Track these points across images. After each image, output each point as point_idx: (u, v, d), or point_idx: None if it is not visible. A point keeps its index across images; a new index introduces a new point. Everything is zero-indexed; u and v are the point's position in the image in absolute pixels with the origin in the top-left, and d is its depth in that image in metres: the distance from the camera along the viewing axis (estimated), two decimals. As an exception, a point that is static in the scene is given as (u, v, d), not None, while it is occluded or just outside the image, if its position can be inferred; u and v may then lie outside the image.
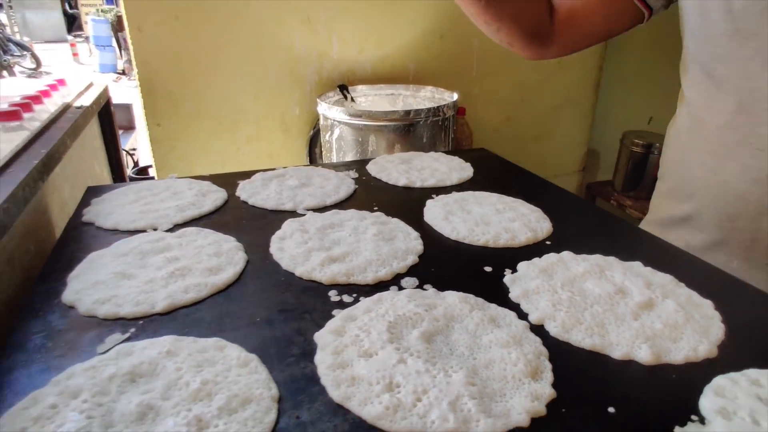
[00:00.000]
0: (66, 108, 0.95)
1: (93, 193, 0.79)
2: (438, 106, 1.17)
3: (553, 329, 0.48)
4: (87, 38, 10.96)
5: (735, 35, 0.67)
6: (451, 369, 0.41)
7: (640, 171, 1.75)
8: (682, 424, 0.37)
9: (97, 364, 0.42)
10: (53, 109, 0.93)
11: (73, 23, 12.49)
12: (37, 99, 0.92)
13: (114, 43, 9.83)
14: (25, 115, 0.84)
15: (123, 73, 9.40)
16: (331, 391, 0.40)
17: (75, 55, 10.59)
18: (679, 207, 0.81)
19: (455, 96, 1.29)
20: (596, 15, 0.82)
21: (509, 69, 1.68)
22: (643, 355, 0.44)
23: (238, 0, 1.31)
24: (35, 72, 9.26)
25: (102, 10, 10.12)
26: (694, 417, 0.38)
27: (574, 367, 0.43)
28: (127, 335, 0.47)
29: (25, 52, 9.58)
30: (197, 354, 0.43)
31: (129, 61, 9.21)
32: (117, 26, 9.78)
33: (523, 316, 0.50)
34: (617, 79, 1.84)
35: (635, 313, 0.49)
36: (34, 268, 0.66)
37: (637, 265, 0.58)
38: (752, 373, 0.42)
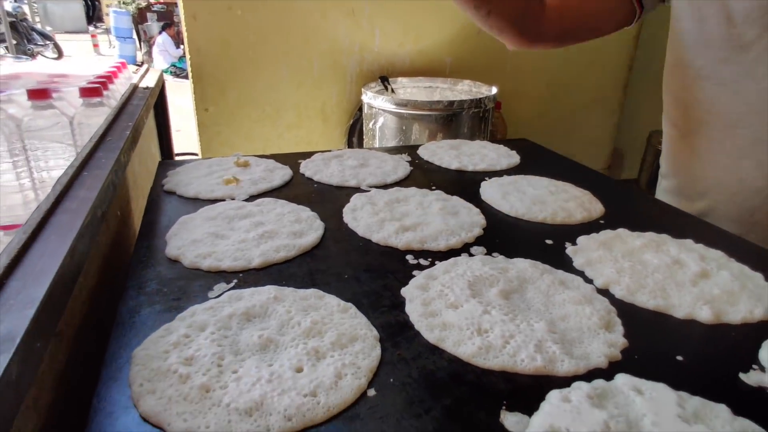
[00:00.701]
0: (134, 88, 1.00)
1: (165, 166, 0.85)
2: (479, 98, 1.21)
3: (619, 292, 0.52)
4: (107, 30, 11.13)
5: (737, 40, 0.70)
6: (531, 320, 0.46)
7: (667, 170, 1.79)
8: (745, 371, 0.42)
9: (214, 305, 0.47)
10: (123, 89, 0.99)
11: (93, 14, 12.64)
12: (109, 79, 0.98)
13: (134, 35, 9.97)
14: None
15: (143, 64, 9.56)
16: (426, 334, 0.45)
17: (95, 46, 10.73)
18: (692, 205, 0.84)
19: (494, 90, 1.33)
20: (587, 9, 0.82)
21: (541, 67, 1.72)
22: (705, 315, 0.48)
23: (287, -8, 1.36)
24: (57, 62, 9.43)
25: (124, 2, 10.26)
26: (755, 366, 0.42)
27: (641, 324, 0.48)
28: (232, 284, 0.52)
29: (47, 42, 9.75)
30: (300, 301, 0.48)
31: (148, 53, 9.35)
32: (138, 18, 9.93)
33: (588, 281, 0.54)
34: (646, 80, 1.87)
35: (693, 281, 0.53)
36: (121, 232, 0.71)
37: (689, 242, 0.62)
38: (807, 332, 0.46)
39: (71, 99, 0.90)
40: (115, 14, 9.69)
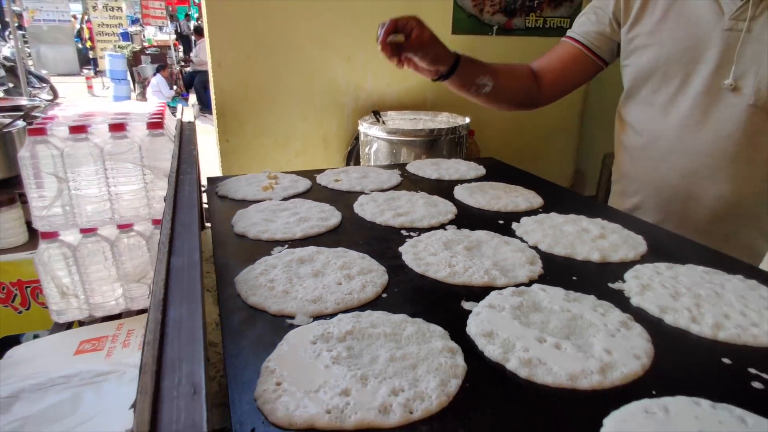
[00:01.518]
0: (181, 124, 1.27)
1: (214, 181, 1.10)
2: (455, 127, 1.50)
3: (543, 247, 0.78)
4: (100, 72, 11.49)
5: (663, 76, 1.00)
6: (483, 260, 0.72)
7: (619, 186, 2.08)
8: (613, 283, 0.68)
9: (278, 256, 0.73)
10: (172, 123, 1.25)
11: (86, 58, 12.93)
12: (161, 116, 1.24)
13: (128, 77, 10.32)
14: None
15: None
16: (415, 268, 0.71)
17: (90, 87, 11.06)
18: (630, 201, 1.13)
19: (467, 120, 1.63)
20: (570, 75, 1.12)
21: (508, 100, 2.03)
22: (595, 257, 0.75)
23: (295, 42, 1.65)
24: (52, 103, 9.72)
25: (119, 46, 10.66)
26: (620, 280, 0.69)
27: (554, 263, 0.74)
28: (285, 246, 0.77)
29: (43, 84, 10.07)
30: (333, 253, 0.74)
31: (142, 94, 9.69)
32: (132, 61, 10.30)
33: (524, 242, 0.80)
34: (599, 109, 2.19)
35: (593, 239, 0.80)
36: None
37: (597, 219, 0.89)
38: (657, 263, 0.73)
39: (137, 130, 1.16)
40: (110, 57, 10.03)
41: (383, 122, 1.69)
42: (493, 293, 0.63)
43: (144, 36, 11.71)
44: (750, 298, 0.63)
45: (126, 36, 11.43)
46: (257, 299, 0.61)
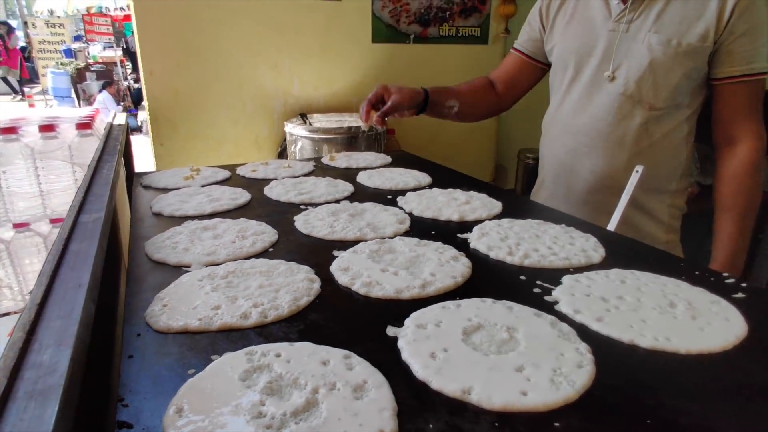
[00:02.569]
0: (111, 126, 1.37)
1: (140, 175, 1.21)
2: (371, 125, 1.65)
3: (416, 213, 0.94)
4: (43, 91, 11.18)
5: (563, 68, 1.18)
6: (361, 222, 0.87)
7: (534, 178, 2.29)
8: (462, 234, 0.84)
9: (186, 225, 0.85)
10: (101, 126, 1.35)
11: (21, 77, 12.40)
12: (92, 119, 1.35)
13: (73, 94, 10.08)
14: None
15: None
16: (302, 230, 0.84)
17: (32, 106, 10.72)
18: (539, 177, 1.32)
19: (384, 118, 1.79)
20: (518, 78, 1.32)
21: (429, 102, 2.21)
22: (455, 218, 0.91)
23: (223, 51, 1.78)
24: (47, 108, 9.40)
25: (62, 63, 10.41)
26: (468, 233, 0.85)
27: (421, 224, 0.90)
28: (196, 220, 0.90)
29: (-21, 104, 9.72)
30: (234, 222, 0.87)
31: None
32: (77, 78, 10.08)
33: (401, 210, 0.96)
34: (514, 109, 2.40)
35: (458, 206, 0.96)
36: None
37: (472, 192, 1.06)
38: (503, 220, 0.89)
39: (67, 132, 1.26)
40: (53, 75, 9.79)
41: (309, 124, 1.83)
42: (360, 243, 0.78)
43: (88, 53, 11.46)
44: (561, 238, 0.80)
45: (69, 53, 11.18)
46: (160, 255, 0.73)
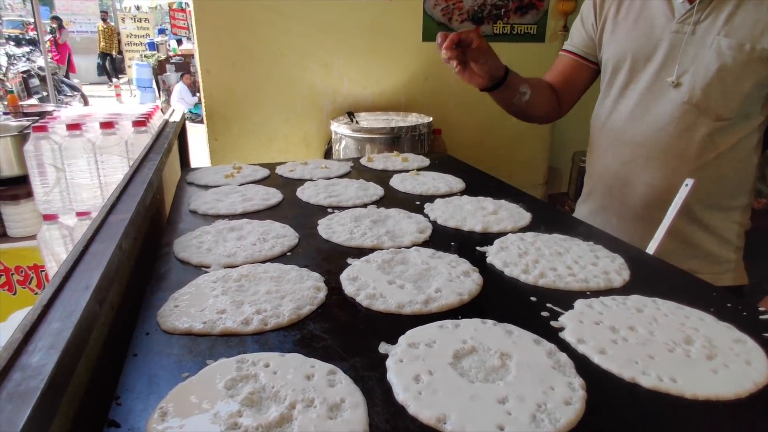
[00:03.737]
0: (166, 123, 1.46)
1: (187, 171, 1.28)
2: (415, 125, 1.65)
3: (439, 221, 0.93)
4: (129, 81, 12.02)
5: (617, 70, 1.11)
6: (381, 229, 0.87)
7: (589, 182, 2.19)
8: (481, 247, 0.82)
9: (215, 225, 0.89)
10: (158, 123, 1.44)
11: (113, 67, 13.39)
12: (150, 116, 1.43)
13: (154, 85, 10.76)
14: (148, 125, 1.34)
15: (162, 111, 10.29)
16: (323, 235, 0.86)
17: (118, 95, 11.57)
18: (586, 187, 1.25)
19: (430, 119, 1.77)
20: (575, 80, 1.22)
21: (479, 103, 2.16)
22: (478, 228, 0.89)
23: (276, 52, 1.83)
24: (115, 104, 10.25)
25: (145, 56, 11.13)
26: (488, 246, 0.83)
27: (443, 233, 0.88)
28: (226, 219, 0.94)
29: (75, 93, 10.60)
30: (260, 224, 0.90)
31: (167, 101, 10.09)
32: (158, 69, 10.74)
33: (426, 217, 0.95)
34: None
35: (484, 215, 0.94)
36: (159, 207, 1.14)
37: (502, 201, 1.03)
38: (527, 234, 0.86)
39: (126, 128, 1.35)
40: (137, 66, 10.49)
41: (356, 122, 1.85)
42: (375, 252, 0.78)
43: (169, 46, 12.17)
44: (585, 257, 0.77)
45: (152, 46, 11.93)
46: (185, 254, 0.77)
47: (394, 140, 1.64)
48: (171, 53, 11.82)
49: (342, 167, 1.30)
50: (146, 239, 0.82)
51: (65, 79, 10.86)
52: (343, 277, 0.71)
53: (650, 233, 1.06)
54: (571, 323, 0.59)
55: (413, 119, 1.90)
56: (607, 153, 1.14)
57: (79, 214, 1.31)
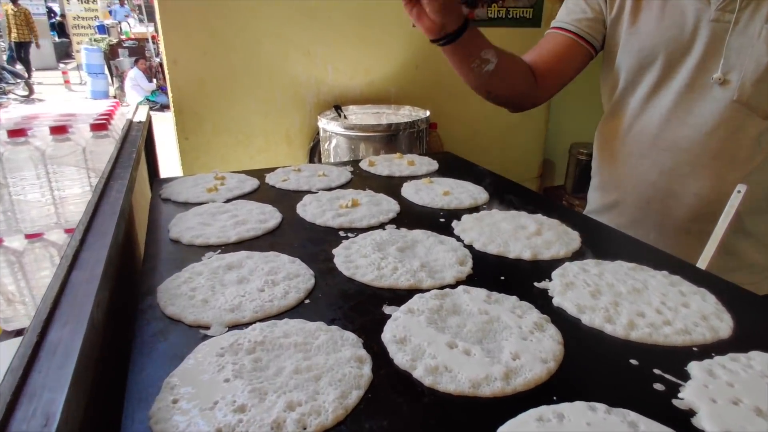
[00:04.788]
0: (130, 124, 1.25)
1: (160, 182, 1.09)
2: (413, 120, 1.49)
3: (477, 246, 0.78)
4: (78, 66, 11.28)
5: (645, 66, 0.96)
6: (413, 261, 0.72)
7: (586, 175, 2.09)
8: (539, 281, 0.68)
9: (207, 262, 0.72)
10: (121, 123, 1.23)
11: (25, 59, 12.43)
12: (110, 116, 1.22)
13: (106, 71, 10.13)
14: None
15: (115, 99, 9.71)
16: (344, 272, 0.70)
17: (67, 82, 10.86)
18: (608, 196, 1.10)
19: (428, 113, 1.62)
20: (564, 63, 1.04)
21: (472, 93, 2.02)
22: (526, 255, 0.75)
23: (252, 38, 1.63)
24: (28, 99, 9.54)
25: (95, 39, 10.45)
26: (546, 279, 0.69)
27: (485, 262, 0.74)
28: (217, 251, 0.76)
29: (18, 80, 9.87)
30: (263, 257, 0.73)
31: (121, 88, 9.52)
32: (109, 54, 10.11)
33: (459, 241, 0.80)
34: (564, 99, 2.19)
35: (528, 237, 0.80)
36: (128, 228, 0.95)
37: (538, 215, 0.89)
38: (586, 260, 0.73)
39: (82, 133, 1.13)
40: (86, 51, 9.83)
41: (344, 117, 1.68)
42: (416, 296, 0.63)
43: (121, 29, 11.48)
44: (670, 294, 0.64)
45: (102, 29, 11.20)
46: (175, 309, 0.60)
47: (391, 138, 1.48)
48: (123, 37, 11.15)
49: (342, 174, 1.13)
50: (120, 289, 0.64)
51: (7, 66, 10.09)
52: (387, 337, 0.55)
53: (695, 247, 0.94)
54: (703, 404, 0.46)
55: (407, 112, 1.74)
56: (641, 161, 1.00)
57: (28, 236, 1.10)
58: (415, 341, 0.54)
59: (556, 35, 1.05)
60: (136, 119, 1.31)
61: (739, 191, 0.88)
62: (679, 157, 0.95)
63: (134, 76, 8.95)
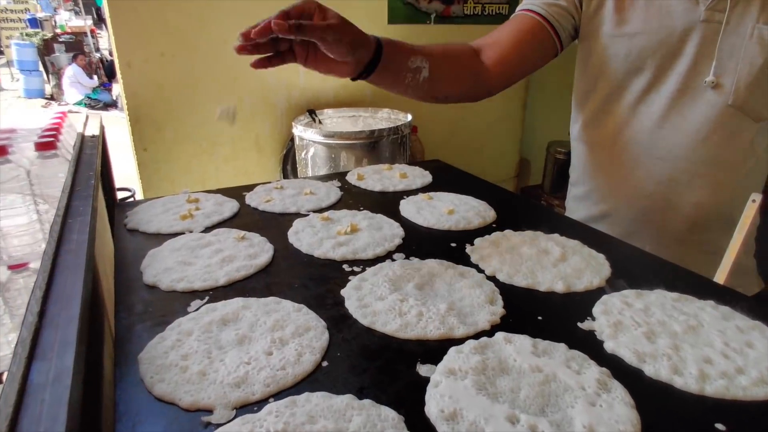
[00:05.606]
0: (83, 139, 1.09)
1: (123, 207, 0.95)
2: (396, 126, 1.40)
3: (502, 277, 0.70)
4: (8, 63, 10.49)
5: (631, 71, 0.91)
6: (438, 302, 0.63)
7: (564, 175, 2.06)
8: (582, 321, 0.61)
9: (195, 316, 0.60)
10: (71, 139, 1.07)
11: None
12: (58, 131, 1.06)
13: (40, 67, 9.46)
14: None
15: (52, 98, 9.07)
16: (361, 320, 0.60)
17: (-4, 80, 10.09)
18: (597, 207, 1.04)
19: (409, 117, 1.53)
20: (523, 58, 0.94)
21: (450, 91, 1.96)
22: (559, 287, 0.67)
23: (215, 37, 1.48)
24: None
25: (27, 34, 9.73)
26: (588, 318, 0.62)
27: (516, 297, 0.66)
28: (205, 300, 0.65)
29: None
30: (263, 306, 0.62)
31: (58, 86, 8.92)
32: (44, 50, 9.44)
33: (481, 271, 0.72)
34: (540, 97, 2.15)
35: (554, 264, 0.73)
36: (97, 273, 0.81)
37: (555, 235, 0.82)
38: (625, 291, 0.66)
39: (25, 153, 0.98)
40: (17, 47, 9.16)
41: (320, 122, 1.56)
42: (452, 351, 0.54)
43: (56, 22, 10.75)
44: (728, 332, 0.58)
45: (34, 22, 10.44)
46: (165, 388, 0.49)
47: (373, 145, 1.38)
48: (59, 31, 10.44)
49: (331, 191, 1.02)
50: (94, 372, 0.52)
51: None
52: (434, 413, 0.46)
53: (696, 257, 0.92)
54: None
55: (386, 115, 1.64)
56: (634, 172, 0.95)
57: (-34, 275, 0.93)
58: (469, 416, 0.45)
59: (522, 17, 0.94)
60: (88, 133, 1.15)
61: (753, 200, 0.84)
62: (675, 166, 0.91)
63: (73, 73, 8.41)
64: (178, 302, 0.64)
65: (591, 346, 0.56)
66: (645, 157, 0.93)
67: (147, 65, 1.41)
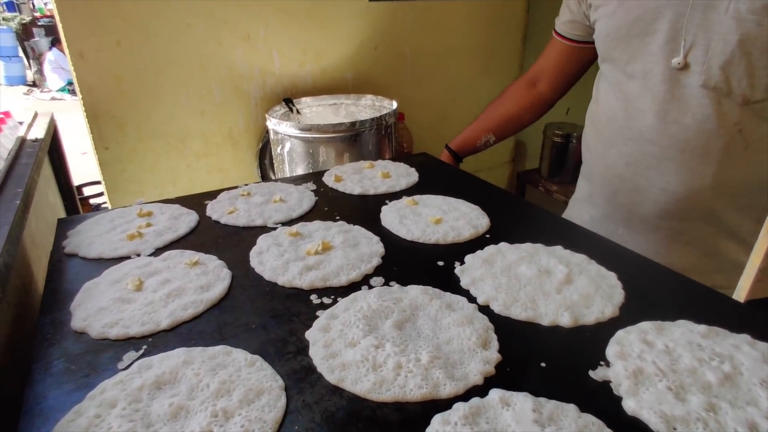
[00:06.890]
0: (22, 143, 0.97)
1: (65, 224, 0.83)
2: (380, 116, 1.27)
3: (497, 308, 0.59)
4: (-12, 48, 10.15)
5: (611, 51, 0.88)
6: (420, 348, 0.52)
7: (562, 158, 1.95)
8: (594, 369, 0.50)
9: (124, 378, 0.49)
10: (9, 145, 0.95)
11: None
12: (-9, 136, 0.94)
13: (20, 53, 9.18)
14: (-14, 154, 0.86)
15: (34, 84, 8.82)
16: (327, 376, 0.50)
17: (-24, 67, 9.78)
18: (585, 186, 1.05)
19: (395, 104, 1.40)
20: (566, 68, 1.07)
21: (439, 74, 1.81)
22: (565, 321, 0.57)
23: (177, 21, 1.34)
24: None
25: (4, 18, 9.39)
26: (602, 362, 0.51)
27: (515, 335, 0.55)
28: (141, 351, 0.54)
29: None
30: (209, 360, 0.51)
31: (39, 71, 8.66)
32: (23, 35, 9.14)
33: (472, 299, 0.61)
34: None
35: (558, 289, 0.62)
36: (23, 303, 0.70)
37: (558, 248, 0.71)
38: (643, 325, 0.56)
39: (-49, 164, 0.85)
40: (-6, 32, 8.85)
41: (297, 112, 1.43)
42: (437, 421, 0.44)
43: (34, 5, 10.39)
44: (772, 381, 0.47)
45: (11, 6, 10.06)
46: (69, 493, 0.38)
47: (355, 137, 1.25)
48: (37, 14, 10.08)
49: (304, 196, 0.91)
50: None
51: None
52: None
53: (669, 245, 0.89)
54: None
55: (369, 102, 1.51)
56: (609, 151, 0.93)
57: None
58: None
59: (554, 42, 1.07)
60: (30, 136, 1.03)
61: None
62: (643, 149, 0.86)
63: (54, 58, 8.16)
64: (108, 354, 0.54)
65: (607, 406, 0.46)
66: (620, 139, 0.90)
67: (102, 55, 1.27)
